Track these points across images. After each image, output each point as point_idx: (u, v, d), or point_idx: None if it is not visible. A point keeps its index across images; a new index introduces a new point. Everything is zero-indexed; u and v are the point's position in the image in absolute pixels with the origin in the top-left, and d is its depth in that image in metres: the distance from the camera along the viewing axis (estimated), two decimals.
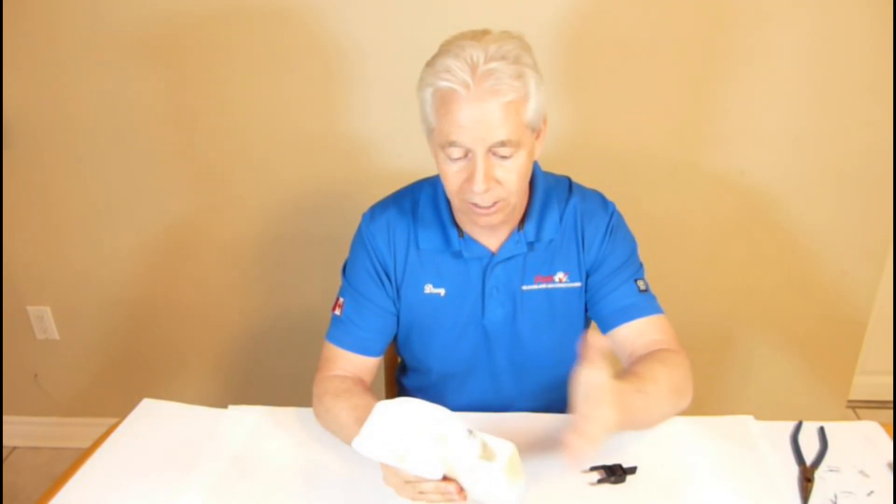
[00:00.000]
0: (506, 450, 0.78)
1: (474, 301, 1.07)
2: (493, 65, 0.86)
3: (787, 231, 1.68)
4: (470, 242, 1.05)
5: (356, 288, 1.08)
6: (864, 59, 1.50)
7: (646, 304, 1.05)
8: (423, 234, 1.06)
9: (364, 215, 1.11)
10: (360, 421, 0.94)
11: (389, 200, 1.11)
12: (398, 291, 1.08)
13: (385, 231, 1.07)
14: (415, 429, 0.78)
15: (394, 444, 0.78)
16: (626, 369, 0.98)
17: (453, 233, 1.05)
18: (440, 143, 0.91)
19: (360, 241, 1.10)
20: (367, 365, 1.09)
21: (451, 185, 0.94)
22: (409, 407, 0.80)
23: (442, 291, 1.07)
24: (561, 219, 1.06)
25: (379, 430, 0.80)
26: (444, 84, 0.87)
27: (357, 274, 1.09)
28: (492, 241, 1.05)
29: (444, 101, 0.89)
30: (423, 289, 1.08)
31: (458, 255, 1.06)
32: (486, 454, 0.78)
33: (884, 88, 1.51)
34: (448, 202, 1.06)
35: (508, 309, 1.07)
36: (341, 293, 1.11)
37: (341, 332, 1.08)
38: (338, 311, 1.09)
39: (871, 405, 2.11)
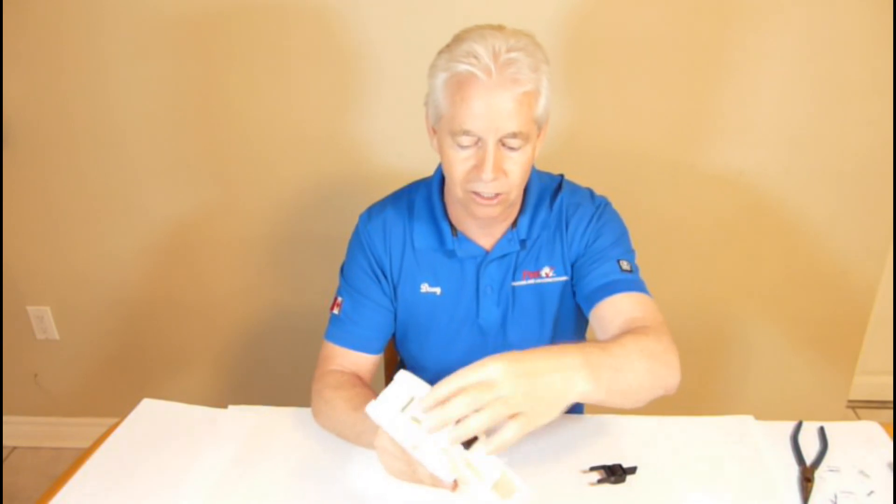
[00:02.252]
0: (494, 472, 0.75)
1: (469, 300, 1.08)
2: (513, 54, 0.87)
3: (787, 231, 1.68)
4: (463, 241, 1.05)
5: (354, 286, 1.09)
6: (864, 59, 1.50)
7: (630, 281, 1.01)
8: (417, 233, 1.07)
9: (361, 216, 1.11)
10: (357, 409, 0.92)
11: (386, 201, 1.12)
12: (395, 290, 1.09)
13: (381, 231, 1.08)
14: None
15: (410, 429, 0.75)
16: None
17: (447, 231, 1.05)
18: (451, 130, 0.91)
19: (357, 240, 1.10)
20: (366, 363, 1.08)
21: (456, 172, 0.94)
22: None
23: (438, 290, 1.08)
24: (549, 214, 1.06)
25: (398, 404, 0.77)
26: (464, 68, 0.87)
27: (354, 272, 1.09)
28: (485, 239, 1.06)
29: (460, 86, 0.89)
30: (419, 288, 1.08)
31: (451, 253, 1.06)
32: (501, 486, 0.75)
33: (884, 88, 1.51)
34: (442, 201, 1.06)
35: (502, 307, 1.08)
36: (339, 292, 1.11)
37: (340, 330, 1.08)
38: (336, 311, 1.09)
39: (871, 405, 2.11)
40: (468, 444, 0.74)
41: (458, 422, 0.71)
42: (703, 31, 1.51)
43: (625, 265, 1.03)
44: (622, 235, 1.08)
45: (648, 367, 0.85)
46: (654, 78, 1.55)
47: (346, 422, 0.96)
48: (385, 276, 1.08)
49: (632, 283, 1.01)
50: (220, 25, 1.56)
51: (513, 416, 0.71)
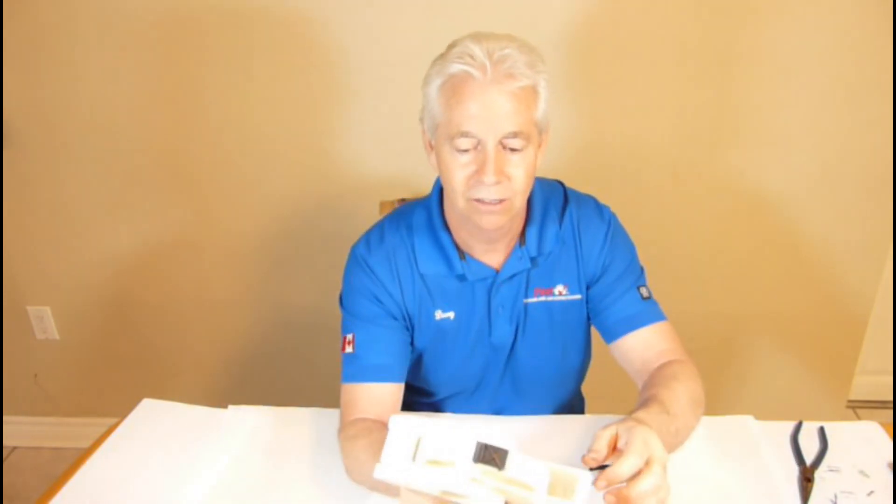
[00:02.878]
0: (542, 476, 0.69)
1: (481, 321, 1.05)
2: (507, 51, 0.86)
3: (787, 231, 1.68)
4: (472, 263, 1.02)
5: (363, 316, 1.02)
6: (865, 59, 1.50)
7: (650, 311, 1.03)
8: (423, 261, 1.02)
9: (357, 247, 1.05)
10: (377, 457, 0.86)
11: (382, 228, 1.06)
12: (410, 320, 1.04)
13: (386, 262, 1.02)
14: (453, 453, 0.68)
15: (432, 475, 0.68)
16: (645, 394, 0.93)
17: (454, 256, 1.01)
18: (449, 134, 0.89)
19: (358, 271, 1.03)
20: (391, 396, 1.00)
21: (457, 180, 0.90)
22: (439, 428, 0.69)
23: (451, 315, 1.04)
24: (559, 229, 1.03)
25: (406, 454, 0.69)
26: (458, 68, 0.86)
27: (360, 302, 1.02)
28: (493, 256, 1.02)
29: (455, 88, 0.87)
30: (433, 315, 1.04)
31: (461, 277, 1.02)
32: (557, 487, 0.69)
33: (884, 88, 1.51)
34: (446, 224, 1.02)
35: (514, 325, 1.05)
36: (346, 330, 1.03)
37: (356, 367, 1.00)
38: (349, 349, 1.01)
39: (871, 405, 2.11)
40: (496, 462, 0.68)
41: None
42: (703, 33, 1.51)
43: (644, 292, 1.04)
44: (634, 254, 1.08)
45: (696, 417, 0.93)
46: (655, 80, 1.55)
47: (368, 473, 0.86)
48: (397, 305, 1.03)
49: (653, 313, 1.04)
50: (220, 28, 1.56)
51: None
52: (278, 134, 1.66)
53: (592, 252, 1.04)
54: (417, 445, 0.69)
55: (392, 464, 0.69)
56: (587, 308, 1.07)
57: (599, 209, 1.07)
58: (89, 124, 1.68)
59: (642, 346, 1.01)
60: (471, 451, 0.68)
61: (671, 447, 0.84)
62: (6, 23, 1.59)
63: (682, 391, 0.91)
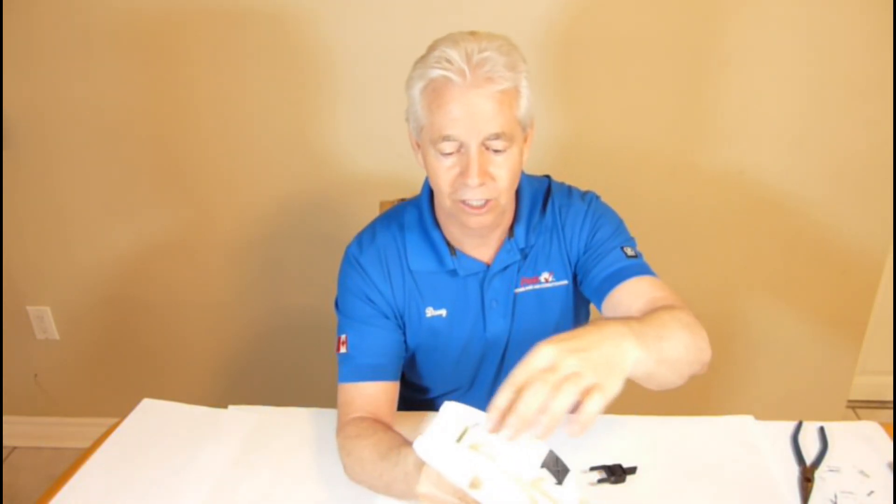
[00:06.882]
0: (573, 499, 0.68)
1: (475, 316, 1.05)
2: (487, 54, 0.86)
3: (787, 231, 1.68)
4: (463, 259, 1.02)
5: (355, 317, 1.03)
6: (864, 58, 1.50)
7: (638, 266, 0.99)
8: (414, 258, 1.03)
9: (350, 248, 1.06)
10: (384, 458, 0.87)
11: (374, 228, 1.07)
12: (401, 318, 1.05)
13: (377, 261, 1.03)
14: (499, 455, 0.67)
15: (471, 460, 0.66)
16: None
17: (445, 252, 1.02)
18: (432, 138, 0.89)
19: (351, 272, 1.04)
20: (386, 394, 1.01)
21: (442, 181, 0.91)
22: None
23: (444, 312, 1.05)
24: (543, 218, 1.04)
25: (451, 436, 0.68)
26: (437, 73, 0.86)
27: (352, 303, 1.03)
28: (483, 250, 1.03)
29: (437, 93, 0.87)
30: (424, 313, 1.04)
31: (453, 273, 1.03)
32: None
33: (884, 88, 1.51)
34: (434, 218, 1.03)
35: (507, 317, 1.06)
36: (341, 330, 1.04)
37: (351, 367, 1.01)
38: (343, 349, 1.02)
39: (871, 405, 2.11)
40: (558, 475, 0.67)
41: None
42: (703, 31, 1.51)
43: (629, 251, 1.01)
44: (619, 225, 1.06)
45: (689, 336, 0.83)
46: (655, 78, 1.55)
47: (371, 473, 0.89)
48: (388, 304, 1.03)
49: (640, 267, 0.99)
50: (218, 27, 1.56)
51: (588, 390, 0.66)
52: (277, 134, 1.66)
53: (574, 233, 1.04)
54: (464, 433, 0.68)
55: (434, 440, 0.68)
56: (575, 294, 1.07)
57: (581, 194, 1.08)
58: (89, 124, 1.68)
59: (630, 296, 0.95)
60: (542, 454, 0.68)
61: (664, 358, 0.76)
62: (6, 23, 1.59)
63: (664, 312, 0.84)
